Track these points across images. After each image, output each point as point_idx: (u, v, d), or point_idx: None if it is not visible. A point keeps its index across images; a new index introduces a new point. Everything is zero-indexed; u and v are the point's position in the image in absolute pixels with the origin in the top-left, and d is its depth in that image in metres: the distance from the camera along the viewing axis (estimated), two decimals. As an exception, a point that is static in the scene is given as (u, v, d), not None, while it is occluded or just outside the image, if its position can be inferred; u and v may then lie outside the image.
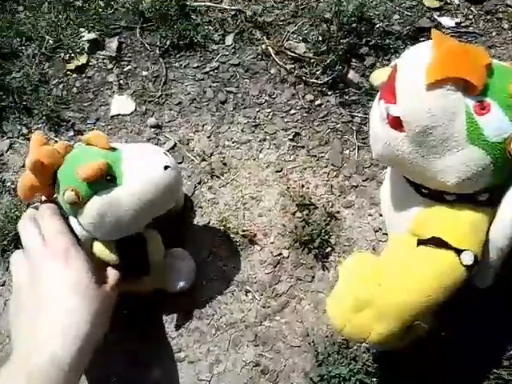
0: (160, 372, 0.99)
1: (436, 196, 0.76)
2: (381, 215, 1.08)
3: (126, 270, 0.93)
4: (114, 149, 0.91)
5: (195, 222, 1.12)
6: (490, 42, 1.30)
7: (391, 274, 0.75)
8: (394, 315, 0.72)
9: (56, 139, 1.25)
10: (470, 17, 1.34)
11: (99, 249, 0.92)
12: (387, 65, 1.22)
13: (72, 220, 0.91)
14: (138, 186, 0.86)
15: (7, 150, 1.26)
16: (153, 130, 1.24)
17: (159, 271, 0.98)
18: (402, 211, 0.83)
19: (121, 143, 1.04)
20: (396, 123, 0.72)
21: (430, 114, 0.67)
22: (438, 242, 0.72)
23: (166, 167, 0.87)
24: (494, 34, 1.31)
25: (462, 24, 1.33)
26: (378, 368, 0.93)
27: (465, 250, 0.71)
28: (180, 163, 1.19)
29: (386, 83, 0.75)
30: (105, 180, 0.85)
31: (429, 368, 0.93)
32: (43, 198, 1.02)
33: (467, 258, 0.71)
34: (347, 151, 1.17)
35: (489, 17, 1.34)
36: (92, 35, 1.39)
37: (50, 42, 1.39)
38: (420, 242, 0.75)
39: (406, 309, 0.72)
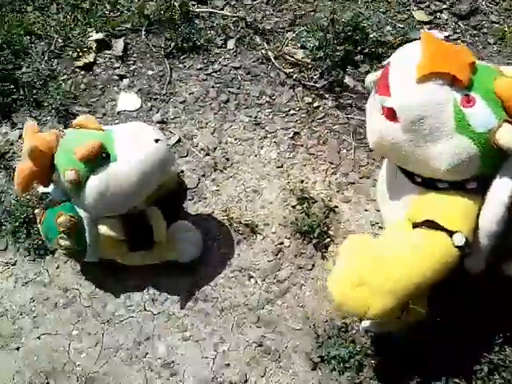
0: (166, 349, 1.03)
1: (429, 184, 0.83)
2: (378, 210, 1.15)
3: (133, 244, 1.01)
4: (103, 130, 0.97)
5: (199, 212, 1.18)
6: (477, 55, 1.39)
7: (387, 253, 0.81)
8: (389, 291, 0.78)
9: (64, 131, 1.29)
10: (458, 31, 1.45)
11: (104, 227, 0.98)
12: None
13: (75, 203, 0.97)
14: (133, 159, 0.92)
15: (17, 140, 1.30)
16: (158, 125, 1.30)
17: (165, 244, 1.04)
18: (398, 200, 0.90)
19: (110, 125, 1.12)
20: (390, 114, 0.79)
21: (420, 105, 0.75)
22: (431, 225, 0.79)
23: (156, 140, 0.94)
24: (480, 47, 1.41)
25: (451, 37, 1.43)
26: (376, 350, 0.99)
27: (456, 231, 0.78)
28: (184, 157, 1.25)
29: (380, 78, 0.83)
30: (101, 158, 0.91)
31: (423, 351, 0.98)
32: (40, 189, 1.08)
33: (459, 239, 0.77)
34: (344, 151, 1.25)
35: (475, 31, 1.44)
36: (99, 35, 1.45)
37: (59, 40, 1.44)
38: (415, 225, 0.81)
39: (400, 285, 0.78)
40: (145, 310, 1.07)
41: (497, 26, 1.44)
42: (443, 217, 0.80)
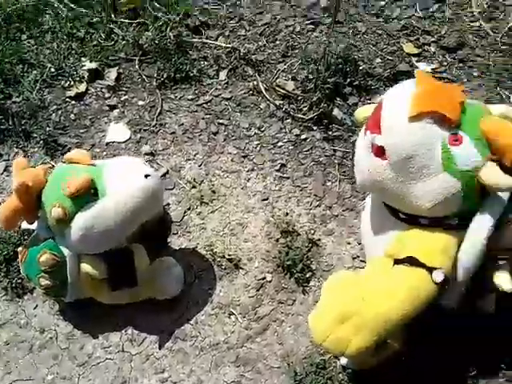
0: (144, 390, 1.02)
1: (412, 220, 0.83)
2: (359, 243, 1.13)
3: (115, 283, 0.99)
4: (94, 165, 0.98)
5: (183, 247, 1.17)
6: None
7: (370, 290, 0.81)
8: (371, 328, 0.78)
9: (52, 163, 1.30)
10: (445, 63, 1.44)
11: (87, 266, 0.97)
12: (369, 104, 1.30)
13: (58, 241, 0.96)
14: (122, 196, 0.92)
15: (2, 173, 1.30)
16: (146, 157, 1.30)
17: (146, 281, 1.03)
18: (381, 235, 0.90)
19: (102, 160, 1.12)
20: (379, 152, 0.79)
21: (411, 144, 0.75)
22: (412, 261, 0.79)
23: (146, 176, 0.94)
24: (465, 80, 1.41)
25: (438, 70, 1.43)
26: (353, 388, 0.97)
27: (436, 268, 0.77)
28: (171, 189, 1.25)
29: (372, 116, 0.83)
30: (89, 194, 0.91)
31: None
32: (22, 225, 1.07)
33: (438, 276, 0.78)
34: (329, 183, 1.24)
35: (461, 64, 1.44)
36: (92, 65, 1.46)
37: (52, 69, 1.46)
38: (396, 262, 0.81)
39: (382, 322, 0.78)
40: (123, 350, 1.06)
41: (481, 59, 1.44)
42: (424, 253, 0.81)
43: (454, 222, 0.81)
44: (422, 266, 0.78)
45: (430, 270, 0.78)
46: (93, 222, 0.90)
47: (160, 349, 1.05)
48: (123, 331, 1.08)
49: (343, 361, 0.98)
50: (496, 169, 0.74)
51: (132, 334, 1.07)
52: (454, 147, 0.75)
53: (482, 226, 0.77)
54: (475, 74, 1.43)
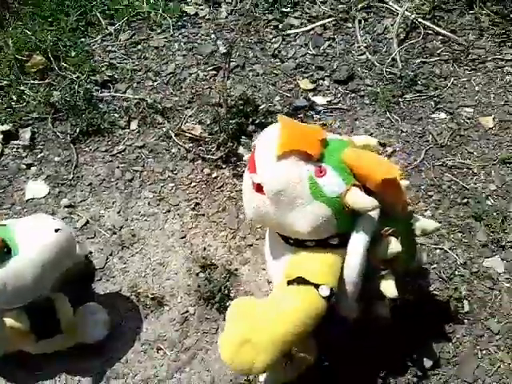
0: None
1: (299, 244, 0.94)
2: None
3: (39, 333, 1.03)
4: (4, 225, 1.02)
5: (108, 291, 1.23)
6: (356, 115, 1.55)
7: (265, 311, 0.90)
8: (269, 346, 0.87)
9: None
10: (339, 95, 1.60)
11: (10, 320, 1.00)
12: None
13: None
14: (34, 252, 0.97)
15: None
16: (66, 209, 1.36)
17: (71, 328, 1.08)
18: (278, 260, 1.00)
19: (12, 219, 1.17)
20: (259, 188, 0.90)
21: (280, 179, 0.86)
22: (300, 280, 0.89)
23: (56, 230, 1.00)
24: (358, 108, 1.57)
25: (333, 101, 1.58)
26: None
27: (322, 284, 0.88)
28: (92, 238, 1.31)
29: (250, 157, 0.94)
30: (2, 253, 0.95)
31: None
32: None
33: (324, 291, 0.88)
34: (242, 215, 1.34)
35: (353, 94, 1.60)
36: (5, 127, 1.51)
37: (-36, 135, 1.50)
38: (288, 283, 0.91)
39: (278, 339, 0.87)
40: (57, 397, 1.10)
41: (371, 88, 1.61)
42: (310, 272, 0.91)
43: (335, 241, 0.91)
44: (310, 283, 0.88)
45: (317, 286, 0.88)
46: (7, 279, 0.95)
47: (92, 391, 1.10)
48: (57, 378, 1.11)
49: (261, 378, 1.06)
50: (359, 193, 0.85)
51: (66, 380, 1.11)
52: (320, 178, 0.85)
53: (357, 243, 0.88)
54: (367, 101, 1.59)
